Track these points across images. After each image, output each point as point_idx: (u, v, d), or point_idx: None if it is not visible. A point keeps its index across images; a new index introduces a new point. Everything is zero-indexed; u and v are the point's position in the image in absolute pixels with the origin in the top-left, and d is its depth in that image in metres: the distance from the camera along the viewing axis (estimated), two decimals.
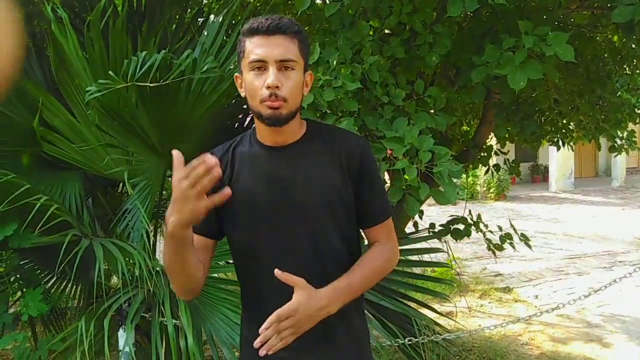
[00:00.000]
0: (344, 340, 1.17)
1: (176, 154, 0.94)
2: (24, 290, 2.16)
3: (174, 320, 1.76)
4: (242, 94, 1.12)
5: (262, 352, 1.02)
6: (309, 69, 1.14)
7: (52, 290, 2.31)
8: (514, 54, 1.82)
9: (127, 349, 1.78)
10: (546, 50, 1.75)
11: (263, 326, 1.02)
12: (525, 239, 3.01)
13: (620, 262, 6.23)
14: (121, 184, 3.07)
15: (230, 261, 2.19)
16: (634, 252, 6.72)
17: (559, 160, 14.25)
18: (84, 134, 2.30)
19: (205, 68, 1.83)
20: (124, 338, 1.83)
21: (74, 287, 2.46)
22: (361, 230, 1.24)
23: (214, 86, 2.02)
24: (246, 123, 2.85)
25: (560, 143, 3.77)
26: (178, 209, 0.94)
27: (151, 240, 2.28)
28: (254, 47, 1.05)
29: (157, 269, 1.83)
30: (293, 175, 1.12)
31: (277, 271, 1.03)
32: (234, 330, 1.78)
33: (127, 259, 1.81)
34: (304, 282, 1.04)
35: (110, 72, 1.77)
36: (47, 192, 2.17)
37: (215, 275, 2.03)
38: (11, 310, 2.11)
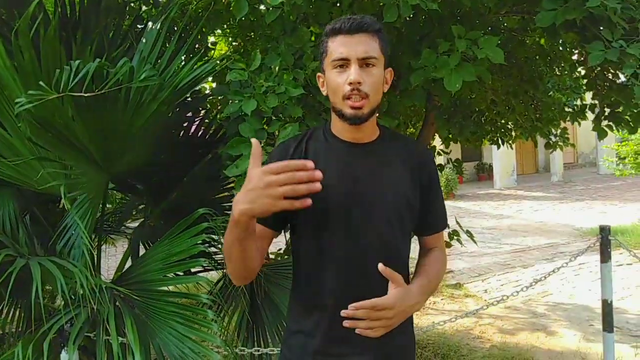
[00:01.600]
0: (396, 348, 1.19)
1: (255, 142, 0.94)
2: None
3: (120, 338, 1.69)
4: (324, 93, 1.17)
5: (346, 323, 1.02)
6: (387, 66, 1.16)
7: None
8: (449, 58, 1.89)
9: None
10: (478, 53, 1.84)
11: (356, 304, 1.01)
12: (470, 235, 3.12)
13: (561, 253, 6.58)
14: (62, 200, 2.94)
15: (180, 273, 2.15)
16: (573, 243, 7.12)
17: (502, 158, 14.93)
18: (17, 147, 2.17)
19: (143, 76, 1.78)
20: None
21: (12, 310, 2.32)
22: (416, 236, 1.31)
23: (153, 94, 1.96)
24: (192, 131, 2.80)
25: (500, 142, 3.95)
26: (251, 199, 0.91)
27: (95, 256, 2.19)
28: (337, 46, 1.09)
29: (102, 285, 1.76)
30: (368, 172, 1.15)
31: (380, 265, 1.03)
32: (184, 343, 1.73)
33: (67, 277, 1.73)
34: (401, 278, 1.06)
35: (41, 83, 1.69)
36: None
37: (165, 288, 1.97)
38: None
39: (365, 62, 1.08)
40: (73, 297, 1.85)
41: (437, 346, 3.76)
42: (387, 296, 1.03)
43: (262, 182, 0.89)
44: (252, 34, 3.02)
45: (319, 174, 0.90)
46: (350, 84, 1.07)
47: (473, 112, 3.15)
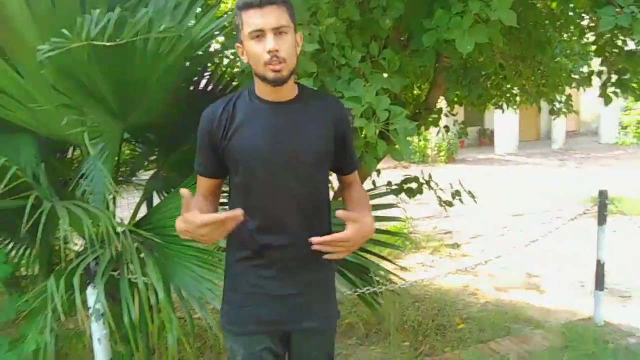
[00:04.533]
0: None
1: (184, 193, 1.13)
2: None
3: (143, 278, 1.81)
4: (245, 61, 1.33)
5: (316, 247, 1.22)
6: (296, 30, 1.32)
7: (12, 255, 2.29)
8: (462, 19, 1.93)
9: (98, 305, 1.82)
10: (491, 15, 1.87)
11: (323, 238, 1.21)
12: (472, 195, 3.22)
13: (558, 218, 6.72)
14: (71, 150, 3.01)
15: None
16: (571, 208, 7.26)
17: (504, 124, 14.91)
18: (33, 95, 2.22)
19: (162, 27, 1.82)
20: (93, 296, 1.86)
21: (30, 251, 2.44)
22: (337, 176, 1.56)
23: (171, 47, 2.01)
24: (201, 85, 2.85)
25: (505, 106, 3.99)
26: (189, 236, 1.17)
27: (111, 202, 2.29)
28: (251, 19, 1.24)
29: (123, 229, 1.86)
30: (290, 127, 1.34)
31: (338, 212, 1.21)
32: (202, 284, 1.85)
33: (91, 220, 1.83)
34: (356, 215, 1.26)
35: (64, 31, 1.73)
36: (3, 155, 2.12)
37: None
38: None
39: (278, 31, 1.24)
40: (94, 239, 1.96)
41: (434, 300, 3.93)
42: (345, 232, 1.23)
43: (198, 232, 1.14)
44: None
45: (239, 213, 1.15)
46: (269, 52, 1.23)
47: (481, 76, 3.18)
